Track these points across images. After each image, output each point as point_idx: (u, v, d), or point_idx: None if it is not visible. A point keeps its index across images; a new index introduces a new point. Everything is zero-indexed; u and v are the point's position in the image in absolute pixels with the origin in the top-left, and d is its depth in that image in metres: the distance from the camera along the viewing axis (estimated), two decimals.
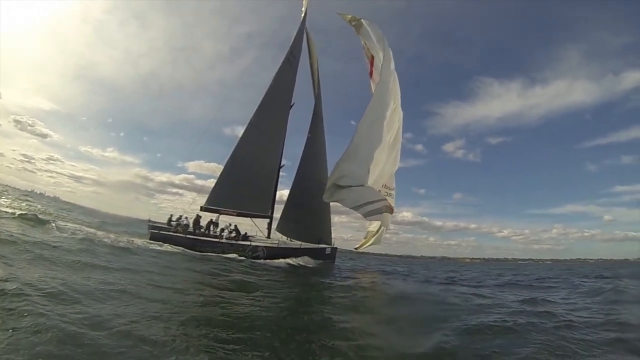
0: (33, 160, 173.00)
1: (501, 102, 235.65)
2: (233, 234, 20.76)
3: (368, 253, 32.85)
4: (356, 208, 18.17)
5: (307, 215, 23.13)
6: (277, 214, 23.43)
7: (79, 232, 14.98)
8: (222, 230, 20.88)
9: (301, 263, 19.05)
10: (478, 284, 16.97)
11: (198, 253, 17.14)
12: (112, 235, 16.19)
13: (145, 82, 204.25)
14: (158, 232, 19.02)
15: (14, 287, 5.15)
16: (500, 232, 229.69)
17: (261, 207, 21.99)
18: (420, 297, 11.53)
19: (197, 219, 20.89)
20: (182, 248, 17.62)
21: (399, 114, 21.20)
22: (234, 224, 21.47)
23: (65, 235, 13.38)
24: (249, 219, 21.95)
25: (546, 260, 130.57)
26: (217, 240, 19.53)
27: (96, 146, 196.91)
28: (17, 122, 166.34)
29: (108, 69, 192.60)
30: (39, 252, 8.58)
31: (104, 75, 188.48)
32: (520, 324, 6.86)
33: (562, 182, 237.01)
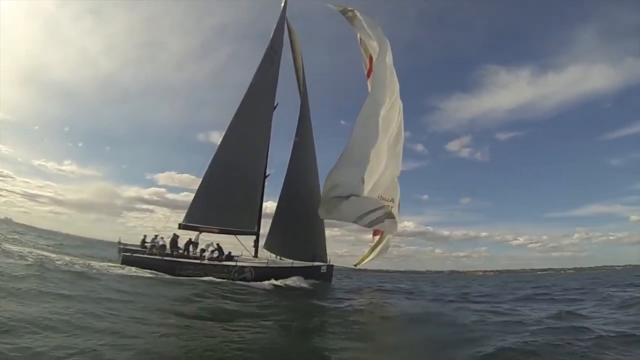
0: None
1: (510, 92, 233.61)
2: (216, 254, 20.15)
3: (366, 270, 32.37)
4: (357, 220, 17.87)
5: (298, 230, 22.46)
6: (265, 229, 22.84)
7: (28, 255, 14.55)
8: (203, 250, 20.30)
9: (289, 284, 18.43)
10: (494, 300, 16.53)
11: (179, 277, 16.68)
12: (67, 258, 15.88)
13: (105, 84, 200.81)
14: (131, 255, 18.70)
15: None
16: (516, 239, 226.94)
17: (246, 223, 21.33)
18: (429, 319, 11.02)
19: (175, 239, 20.44)
20: (159, 272, 17.17)
21: (398, 112, 21.01)
22: (216, 243, 20.85)
23: (10, 260, 12.81)
24: (232, 236, 21.42)
25: (568, 269, 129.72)
26: (199, 261, 19.01)
27: (52, 159, 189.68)
28: None
29: (62, 71, 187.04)
30: None
31: (57, 78, 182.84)
32: (545, 344, 6.57)
33: (583, 180, 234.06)
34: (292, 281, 18.83)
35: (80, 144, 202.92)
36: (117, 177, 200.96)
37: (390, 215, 18.79)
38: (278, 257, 22.16)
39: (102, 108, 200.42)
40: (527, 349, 6.29)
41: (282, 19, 25.37)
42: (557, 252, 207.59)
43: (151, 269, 17.39)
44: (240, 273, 18.59)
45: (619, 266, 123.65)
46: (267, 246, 22.17)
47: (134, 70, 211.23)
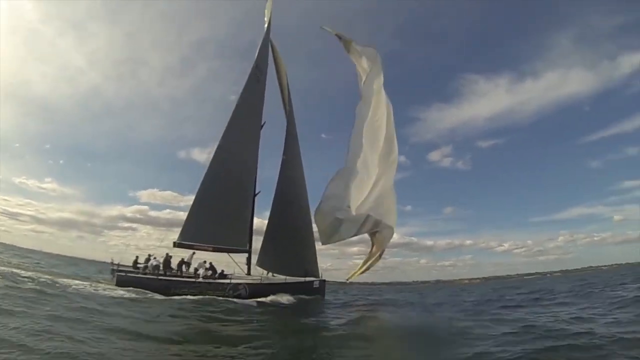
0: None
1: (489, 100, 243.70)
2: (209, 273, 21.19)
3: (351, 283, 32.96)
4: (357, 232, 19.39)
5: (290, 246, 23.64)
6: (257, 244, 23.88)
7: None
8: (196, 269, 21.26)
9: (280, 300, 19.02)
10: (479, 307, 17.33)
11: (174, 296, 17.53)
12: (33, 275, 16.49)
13: (86, 100, 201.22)
14: (125, 275, 19.33)
15: None
16: (500, 246, 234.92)
17: (239, 241, 22.54)
18: (422, 331, 11.48)
19: (168, 259, 21.35)
20: (155, 292, 17.90)
21: (384, 129, 22.55)
22: (209, 261, 21.94)
23: None
24: (225, 254, 22.36)
25: (555, 272, 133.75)
26: (194, 280, 19.94)
27: (32, 176, 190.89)
28: None
29: (43, 86, 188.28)
30: None
31: (38, 94, 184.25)
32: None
33: (565, 184, 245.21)
34: (282, 298, 19.42)
35: (61, 161, 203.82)
36: (98, 194, 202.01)
37: (380, 224, 20.32)
38: (270, 273, 23.16)
39: (83, 124, 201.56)
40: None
41: (267, 39, 26.88)
42: (543, 256, 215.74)
43: (146, 289, 18.21)
44: (235, 290, 19.65)
45: (604, 266, 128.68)
46: (260, 263, 23.23)
47: (115, 86, 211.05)
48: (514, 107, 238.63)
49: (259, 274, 22.75)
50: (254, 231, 24.29)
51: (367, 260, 24.32)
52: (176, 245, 20.73)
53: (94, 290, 16.12)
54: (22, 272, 17.55)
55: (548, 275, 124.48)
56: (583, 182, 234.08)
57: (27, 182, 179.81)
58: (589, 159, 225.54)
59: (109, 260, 21.01)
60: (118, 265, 20.66)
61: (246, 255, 23.36)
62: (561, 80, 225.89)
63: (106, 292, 15.87)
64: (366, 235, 23.54)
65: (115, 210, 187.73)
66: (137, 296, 16.04)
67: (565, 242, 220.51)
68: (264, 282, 21.10)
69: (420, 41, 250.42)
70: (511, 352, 6.98)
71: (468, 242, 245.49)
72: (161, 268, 20.68)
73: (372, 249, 24.16)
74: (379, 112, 22.47)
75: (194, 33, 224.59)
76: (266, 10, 27.93)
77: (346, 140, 21.15)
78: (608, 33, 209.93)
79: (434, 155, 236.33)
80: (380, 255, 24.02)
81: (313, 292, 22.31)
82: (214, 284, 19.83)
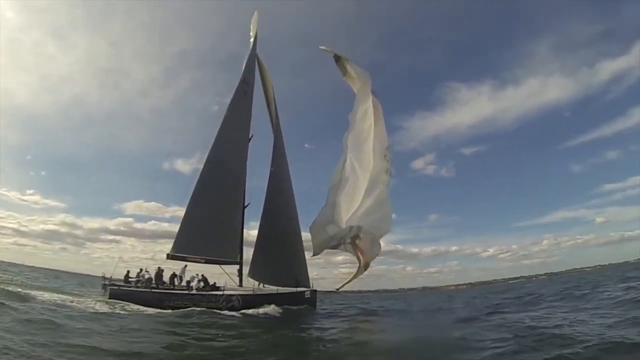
0: None
1: (471, 108, 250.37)
2: (202, 285, 22.25)
3: (337, 292, 33.63)
4: (344, 237, 20.62)
5: (280, 257, 24.85)
6: (247, 256, 25.01)
7: None
8: (189, 281, 22.28)
9: (272, 311, 19.34)
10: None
11: (167, 309, 18.34)
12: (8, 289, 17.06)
13: (68, 110, 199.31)
14: (119, 289, 20.21)
15: None
16: (485, 251, 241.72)
17: (230, 252, 23.77)
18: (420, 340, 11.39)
19: (160, 272, 22.41)
20: (148, 305, 18.69)
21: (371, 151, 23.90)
22: (201, 274, 22.99)
23: None
24: (215, 266, 23.34)
25: (540, 275, 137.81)
26: (187, 292, 20.98)
27: (13, 188, 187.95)
28: None
29: (23, 96, 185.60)
30: None
31: (19, 104, 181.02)
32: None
33: (547, 188, 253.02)
34: (276, 309, 19.87)
35: (43, 173, 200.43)
36: (82, 206, 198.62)
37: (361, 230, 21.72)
38: (261, 284, 24.24)
39: (65, 135, 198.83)
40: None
41: (253, 54, 28.25)
42: (528, 260, 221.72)
43: (139, 303, 19.03)
44: (228, 302, 20.72)
45: (588, 268, 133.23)
46: (251, 274, 24.45)
47: (97, 96, 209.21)
48: (496, 114, 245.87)
49: (251, 285, 23.71)
50: (244, 243, 25.39)
51: (356, 273, 24.85)
52: (170, 257, 21.59)
53: (70, 303, 16.14)
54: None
55: (533, 278, 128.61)
56: (565, 186, 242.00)
57: (8, 194, 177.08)
58: (570, 164, 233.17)
59: (95, 274, 22.04)
60: (110, 279, 21.42)
61: (237, 267, 24.45)
62: (542, 87, 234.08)
63: (82, 306, 15.69)
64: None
65: (97, 222, 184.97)
66: (110, 310, 15.99)
67: (549, 245, 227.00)
68: (257, 292, 22.10)
69: (403, 50, 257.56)
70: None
71: (453, 248, 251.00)
72: (153, 281, 21.53)
73: (357, 258, 24.79)
74: (367, 139, 23.82)
75: (176, 44, 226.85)
76: (251, 25, 29.44)
77: (333, 152, 22.63)
78: (586, 41, 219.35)
79: (418, 163, 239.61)
80: (367, 265, 24.95)
81: (305, 301, 23.36)
82: (207, 295, 20.79)
